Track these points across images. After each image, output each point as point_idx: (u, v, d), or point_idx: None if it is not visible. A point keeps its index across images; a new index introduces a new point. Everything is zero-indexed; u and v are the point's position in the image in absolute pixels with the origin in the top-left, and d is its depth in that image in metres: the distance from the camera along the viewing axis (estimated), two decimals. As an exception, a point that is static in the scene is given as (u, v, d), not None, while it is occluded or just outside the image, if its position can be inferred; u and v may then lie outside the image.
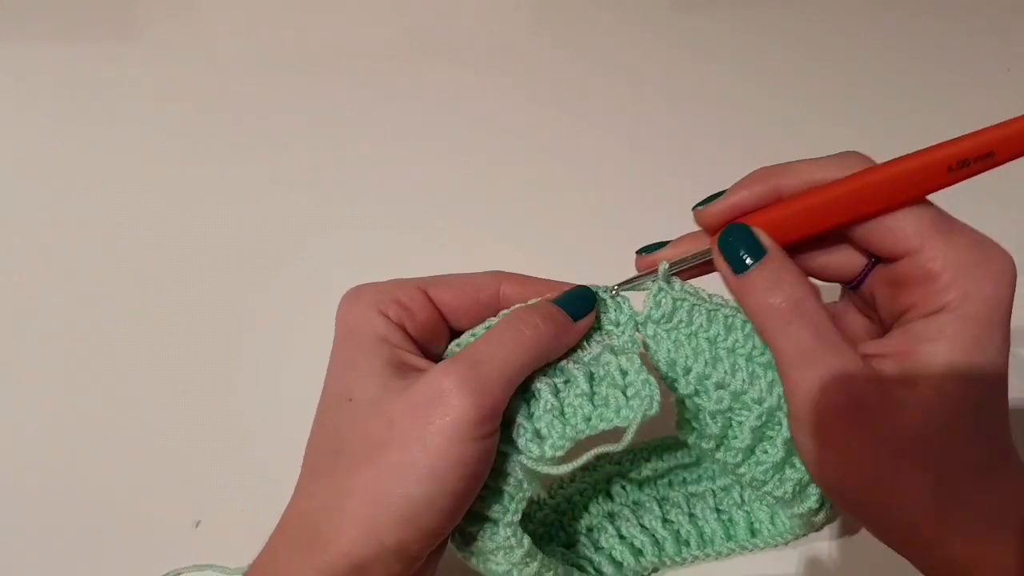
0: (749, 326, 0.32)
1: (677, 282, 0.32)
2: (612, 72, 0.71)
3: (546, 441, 0.30)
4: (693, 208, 0.31)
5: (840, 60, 0.72)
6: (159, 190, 0.61)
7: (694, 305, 0.32)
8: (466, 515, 0.30)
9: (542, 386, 0.31)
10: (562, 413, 0.31)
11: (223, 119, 0.67)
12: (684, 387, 0.32)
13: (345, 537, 0.27)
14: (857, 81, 0.69)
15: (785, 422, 0.31)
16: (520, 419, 0.30)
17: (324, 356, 0.32)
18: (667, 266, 0.32)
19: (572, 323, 0.31)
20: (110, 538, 0.42)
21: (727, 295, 0.31)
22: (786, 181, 0.29)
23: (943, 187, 0.27)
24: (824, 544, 0.41)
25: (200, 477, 0.44)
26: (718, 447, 0.33)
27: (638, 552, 0.38)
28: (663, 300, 0.32)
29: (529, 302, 0.32)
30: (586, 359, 0.32)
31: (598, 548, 0.38)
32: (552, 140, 0.65)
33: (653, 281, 0.32)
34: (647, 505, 0.39)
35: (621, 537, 0.38)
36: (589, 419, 0.30)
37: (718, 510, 0.39)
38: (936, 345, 0.26)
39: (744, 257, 0.29)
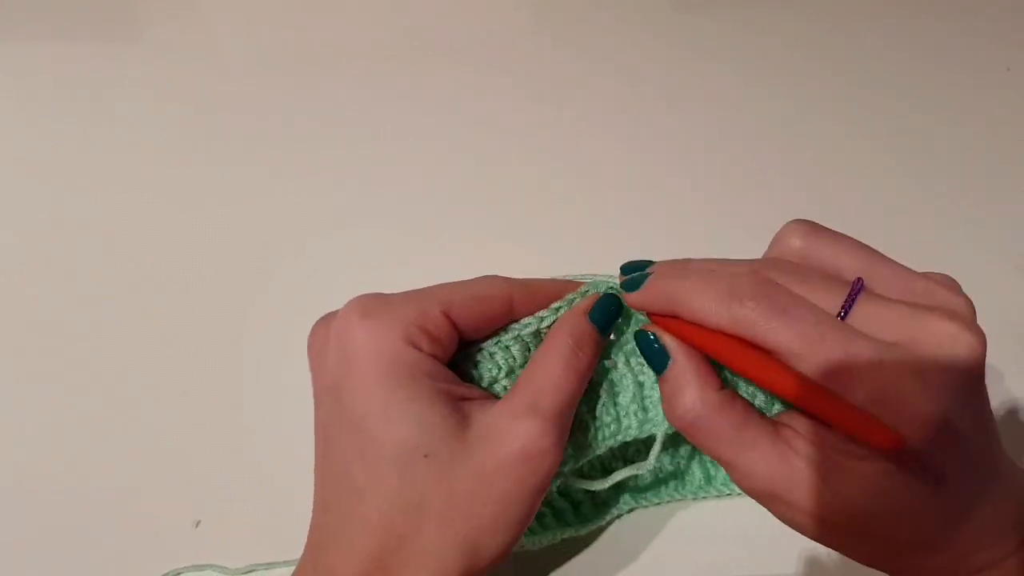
0: None
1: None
2: (612, 72, 0.71)
3: (573, 455, 0.31)
4: (620, 271, 0.32)
5: (840, 60, 0.72)
6: (159, 190, 0.61)
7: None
8: None
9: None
10: (595, 432, 0.31)
11: (223, 119, 0.67)
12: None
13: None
14: (857, 81, 0.69)
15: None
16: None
17: (324, 356, 0.32)
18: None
19: (600, 337, 0.31)
20: (110, 538, 0.42)
21: None
22: (678, 308, 0.28)
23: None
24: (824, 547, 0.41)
25: (200, 477, 0.44)
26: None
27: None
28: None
29: (557, 311, 0.31)
30: (602, 368, 0.32)
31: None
32: (552, 140, 0.65)
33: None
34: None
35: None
36: (616, 435, 0.31)
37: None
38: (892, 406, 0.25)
39: (655, 360, 0.29)
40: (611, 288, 0.32)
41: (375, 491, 0.27)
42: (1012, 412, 0.45)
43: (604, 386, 0.32)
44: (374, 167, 0.63)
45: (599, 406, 0.32)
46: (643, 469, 0.32)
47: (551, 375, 0.29)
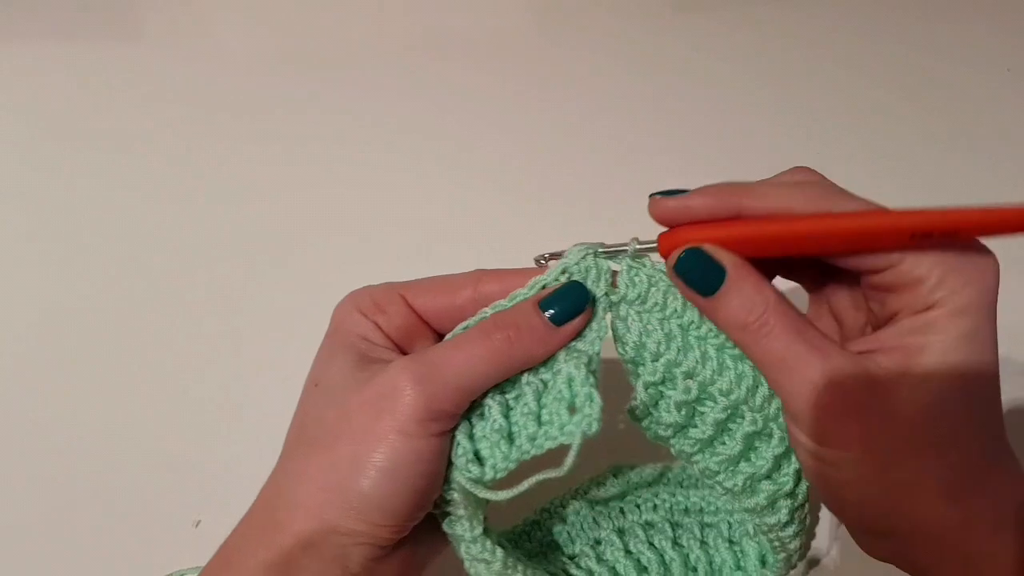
0: None
1: (648, 260, 0.31)
2: (613, 72, 0.71)
3: (487, 462, 0.29)
4: (651, 195, 0.30)
5: (841, 60, 0.72)
6: (159, 190, 0.61)
7: (669, 287, 0.31)
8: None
9: (492, 403, 0.29)
10: (509, 435, 0.29)
11: (223, 119, 0.67)
12: (651, 373, 0.31)
13: (297, 521, 0.28)
14: (858, 81, 0.69)
15: (748, 416, 0.31)
16: (460, 439, 0.29)
17: (324, 356, 0.32)
18: (637, 243, 0.31)
19: (554, 330, 0.30)
20: (110, 538, 0.42)
21: None
22: (749, 203, 0.28)
23: (900, 250, 0.27)
24: (825, 547, 0.41)
25: (200, 477, 0.44)
26: (675, 435, 0.32)
27: (643, 570, 0.37)
28: (638, 278, 0.31)
29: (515, 299, 0.31)
30: (543, 365, 0.30)
31: (601, 560, 0.37)
32: (552, 140, 0.65)
33: (622, 258, 0.31)
34: (659, 526, 0.38)
35: (628, 552, 0.37)
36: (534, 439, 0.29)
37: (730, 540, 0.38)
38: (928, 338, 0.26)
39: (705, 280, 0.28)
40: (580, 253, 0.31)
41: (292, 420, 0.31)
42: (1010, 412, 0.45)
43: (533, 386, 0.30)
44: (375, 166, 0.63)
45: (521, 408, 0.30)
46: (554, 474, 0.28)
47: (461, 341, 0.29)
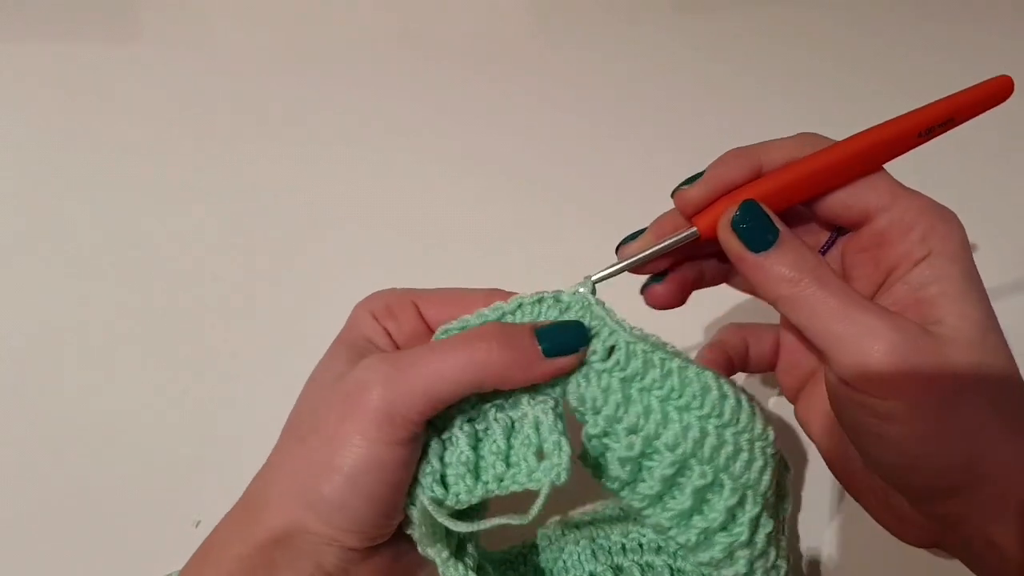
0: (670, 364, 0.30)
1: (592, 300, 0.31)
2: (613, 73, 0.71)
3: (451, 489, 0.28)
4: (673, 192, 0.31)
5: (841, 60, 0.72)
6: (159, 190, 0.61)
7: (611, 332, 0.30)
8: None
9: (460, 434, 0.29)
10: (476, 468, 0.28)
11: (223, 119, 0.67)
12: (592, 426, 0.30)
13: (271, 516, 0.28)
14: (858, 81, 0.69)
15: (697, 469, 0.30)
16: (431, 456, 0.28)
17: (325, 356, 0.32)
18: (591, 281, 0.31)
19: (541, 358, 0.29)
20: (110, 538, 0.42)
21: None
22: (766, 157, 0.30)
23: (909, 150, 0.30)
24: (824, 547, 0.41)
25: (200, 477, 0.44)
26: (622, 489, 0.31)
27: None
28: (595, 326, 0.30)
29: (486, 316, 0.30)
30: (509, 404, 0.30)
31: None
32: (552, 140, 0.65)
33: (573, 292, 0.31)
34: (658, 570, 0.36)
35: None
36: (501, 479, 0.28)
37: None
38: (942, 284, 0.28)
39: (761, 235, 0.29)
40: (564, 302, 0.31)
41: None
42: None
43: (501, 424, 0.29)
44: (375, 166, 0.63)
45: (490, 444, 0.29)
46: (517, 522, 0.27)
47: (440, 345, 0.28)
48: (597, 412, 0.30)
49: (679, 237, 0.31)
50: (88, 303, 0.53)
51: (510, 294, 0.32)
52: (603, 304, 0.31)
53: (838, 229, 0.33)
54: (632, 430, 0.30)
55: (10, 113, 0.69)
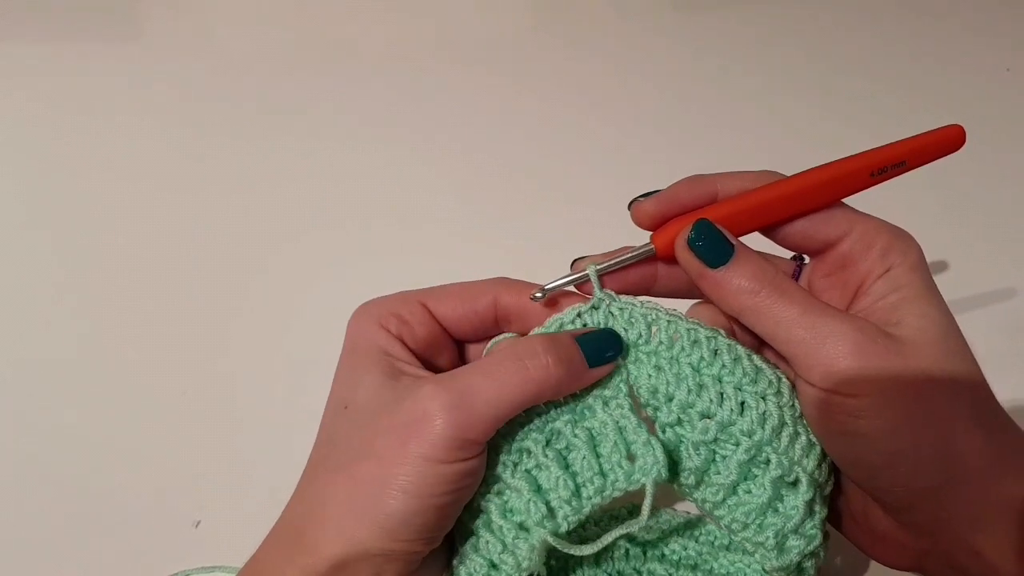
0: (737, 350, 0.30)
1: (635, 300, 0.31)
2: (613, 72, 0.71)
3: (558, 515, 0.28)
4: (630, 204, 0.32)
5: (840, 60, 0.72)
6: (159, 190, 0.61)
7: (669, 322, 0.31)
8: None
9: (547, 460, 0.29)
10: (576, 488, 0.29)
11: (223, 119, 0.67)
12: (666, 415, 0.30)
13: (327, 542, 0.27)
14: (857, 81, 0.69)
15: (774, 459, 0.29)
16: (525, 491, 0.28)
17: (323, 357, 0.32)
18: (596, 269, 0.31)
19: (587, 368, 0.30)
20: (110, 538, 0.42)
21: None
22: (723, 186, 0.31)
23: (864, 188, 0.31)
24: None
25: (200, 477, 0.44)
26: (698, 483, 0.30)
27: None
28: (633, 318, 0.31)
29: (546, 330, 0.31)
30: (578, 414, 0.30)
31: None
32: (553, 140, 0.65)
33: (602, 300, 0.31)
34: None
35: None
36: (602, 491, 0.29)
37: None
38: (902, 291, 0.29)
39: (717, 251, 0.29)
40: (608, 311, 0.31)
41: (315, 441, 0.31)
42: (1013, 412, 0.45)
43: (582, 438, 0.30)
44: (375, 166, 0.63)
45: (580, 460, 0.29)
46: (636, 527, 0.29)
47: (492, 368, 0.28)
48: (670, 400, 0.30)
49: (635, 254, 0.32)
50: (88, 303, 0.53)
51: (516, 282, 0.32)
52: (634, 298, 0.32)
53: (801, 257, 0.34)
54: (705, 415, 0.30)
55: (11, 113, 0.69)
